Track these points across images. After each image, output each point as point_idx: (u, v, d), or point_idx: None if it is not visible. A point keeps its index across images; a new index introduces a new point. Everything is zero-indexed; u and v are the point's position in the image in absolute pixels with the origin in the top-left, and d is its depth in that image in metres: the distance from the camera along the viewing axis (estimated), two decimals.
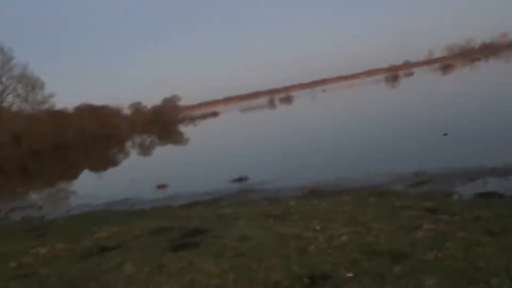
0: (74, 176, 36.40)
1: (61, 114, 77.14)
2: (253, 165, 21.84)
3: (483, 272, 5.93)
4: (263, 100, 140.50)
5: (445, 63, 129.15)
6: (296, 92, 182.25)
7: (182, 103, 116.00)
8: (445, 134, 19.84)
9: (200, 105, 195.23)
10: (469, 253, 6.61)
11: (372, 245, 7.46)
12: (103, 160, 48.63)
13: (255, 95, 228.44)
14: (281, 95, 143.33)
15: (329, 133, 30.86)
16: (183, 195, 17.37)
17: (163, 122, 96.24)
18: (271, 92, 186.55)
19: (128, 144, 65.87)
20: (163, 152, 46.64)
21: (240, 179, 18.32)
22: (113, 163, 43.10)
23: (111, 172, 35.79)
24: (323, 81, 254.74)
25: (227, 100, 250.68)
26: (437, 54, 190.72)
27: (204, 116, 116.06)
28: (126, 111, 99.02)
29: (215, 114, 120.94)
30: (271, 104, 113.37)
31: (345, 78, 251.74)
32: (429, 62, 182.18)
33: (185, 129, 76.80)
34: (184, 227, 10.91)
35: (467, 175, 12.61)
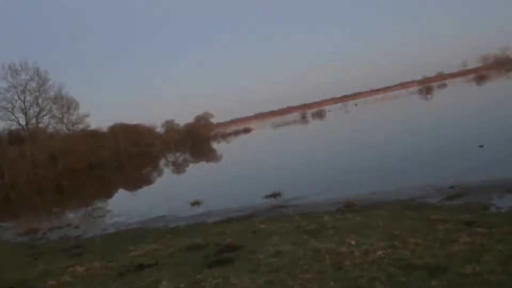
0: (110, 194, 36.86)
1: (95, 134, 78.41)
2: (286, 181, 21.80)
3: None
4: (296, 115, 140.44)
5: (479, 74, 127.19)
6: (328, 106, 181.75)
7: (215, 120, 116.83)
8: (481, 146, 19.55)
9: (232, 122, 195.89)
10: (508, 266, 6.50)
11: (408, 259, 7.39)
12: (137, 178, 49.16)
13: (288, 110, 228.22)
14: (313, 109, 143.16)
15: (362, 147, 30.66)
16: (217, 212, 17.45)
17: (195, 140, 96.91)
18: (304, 107, 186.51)
19: (162, 161, 66.47)
20: (197, 169, 46.94)
21: (274, 195, 18.32)
22: (148, 181, 43.53)
23: (145, 190, 36.14)
24: (355, 95, 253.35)
25: (259, 116, 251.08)
26: (471, 65, 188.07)
27: (236, 133, 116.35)
28: (160, 129, 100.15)
29: (247, 130, 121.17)
30: (304, 119, 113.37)
31: (378, 91, 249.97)
32: (463, 73, 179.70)
33: (218, 146, 77.17)
34: (219, 243, 10.97)
35: (504, 187, 12.38)
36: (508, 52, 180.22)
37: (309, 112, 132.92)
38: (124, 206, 26.02)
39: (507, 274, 6.22)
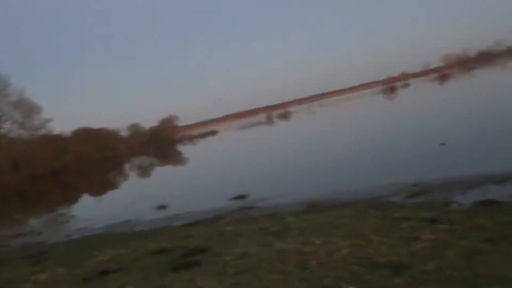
0: (74, 200, 36.31)
1: (59, 139, 77.10)
2: (252, 183, 21.84)
3: (484, 280, 5.94)
4: (262, 116, 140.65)
5: (442, 73, 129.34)
6: (294, 107, 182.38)
7: (180, 123, 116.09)
8: (443, 144, 19.87)
9: (198, 124, 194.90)
10: (470, 261, 6.62)
11: (372, 258, 7.47)
12: (102, 183, 48.56)
13: (254, 112, 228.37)
14: (279, 111, 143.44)
15: (327, 148, 30.90)
16: (183, 215, 17.34)
17: (161, 143, 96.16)
18: (270, 108, 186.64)
19: (127, 166, 65.81)
20: (163, 173, 46.56)
21: (240, 197, 18.32)
22: (113, 185, 43.03)
23: (110, 194, 35.73)
24: (321, 96, 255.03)
25: (225, 118, 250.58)
26: (434, 64, 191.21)
27: (202, 135, 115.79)
28: (124, 133, 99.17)
29: (213, 132, 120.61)
30: (269, 121, 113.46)
31: (343, 91, 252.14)
32: (425, 72, 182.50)
33: (184, 149, 76.75)
34: (185, 246, 10.90)
35: (465, 184, 12.63)
36: (469, 52, 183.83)
37: (275, 113, 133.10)
38: (89, 211, 25.70)
39: (469, 270, 6.32)
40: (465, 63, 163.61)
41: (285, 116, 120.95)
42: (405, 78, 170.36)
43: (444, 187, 12.90)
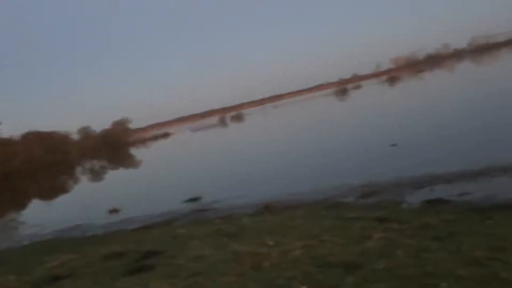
0: (23, 205, 35.44)
1: (8, 142, 75.25)
2: (206, 185, 21.79)
3: (432, 277, 6.10)
4: (215, 119, 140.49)
5: (392, 75, 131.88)
6: (247, 109, 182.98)
7: (132, 125, 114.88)
8: (393, 145, 20.25)
9: (151, 127, 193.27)
10: (418, 259, 6.80)
11: (325, 258, 7.58)
12: (52, 187, 47.56)
13: (208, 113, 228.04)
14: (232, 113, 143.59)
15: (280, 150, 31.05)
16: (136, 219, 17.13)
17: (113, 146, 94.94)
18: (223, 110, 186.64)
19: (78, 169, 64.68)
20: (115, 176, 45.94)
21: (193, 199, 18.23)
22: (63, 190, 42.18)
23: (61, 199, 34.98)
24: (274, 98, 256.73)
25: (178, 120, 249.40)
26: (384, 66, 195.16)
27: (155, 138, 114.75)
28: (75, 136, 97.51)
29: (166, 135, 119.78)
30: (223, 123, 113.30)
31: (296, 93, 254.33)
32: (376, 74, 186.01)
33: (137, 152, 75.91)
34: (138, 250, 10.82)
35: (415, 184, 12.92)
36: (418, 54, 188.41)
37: (228, 115, 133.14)
38: (39, 216, 25.11)
39: (417, 267, 6.50)
40: (414, 66, 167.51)
41: (238, 118, 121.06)
42: (357, 80, 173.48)
43: (394, 187, 13.14)
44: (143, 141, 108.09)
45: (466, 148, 16.51)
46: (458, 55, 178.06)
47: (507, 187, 10.70)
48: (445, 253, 6.87)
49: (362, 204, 11.93)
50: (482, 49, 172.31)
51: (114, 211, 19.62)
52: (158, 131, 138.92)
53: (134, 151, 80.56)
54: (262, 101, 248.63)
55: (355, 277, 6.51)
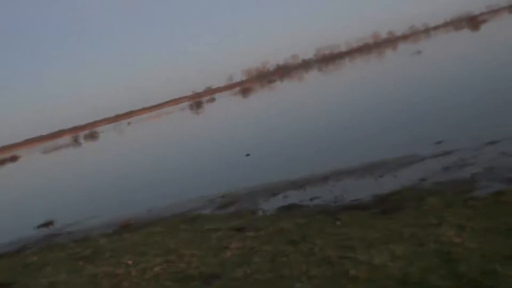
0: None
1: None
2: (59, 208, 20.87)
3: (287, 279, 6.33)
4: (67, 138, 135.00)
5: (244, 87, 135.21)
6: (101, 127, 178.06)
7: None
8: (247, 155, 20.71)
9: None
10: (275, 264, 7.01)
11: (184, 271, 7.58)
12: None
13: (59, 134, 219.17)
14: (85, 131, 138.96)
15: (135, 166, 30.54)
16: None
17: None
18: (75, 129, 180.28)
19: None
20: None
21: (45, 224, 17.35)
22: None
23: None
24: (128, 114, 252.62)
25: (28, 142, 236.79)
26: (236, 78, 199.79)
27: (1, 162, 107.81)
28: None
29: (14, 158, 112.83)
30: (76, 143, 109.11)
31: (150, 108, 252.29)
32: (229, 86, 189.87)
33: None
34: None
35: (269, 191, 13.30)
36: (268, 65, 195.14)
37: (82, 134, 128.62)
38: None
39: (273, 272, 6.70)
40: (265, 76, 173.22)
41: (92, 136, 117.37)
42: (211, 92, 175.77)
43: (251, 196, 13.44)
44: None
45: (313, 154, 17.36)
46: (306, 65, 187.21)
47: (352, 188, 11.38)
48: (299, 256, 7.14)
49: (220, 215, 12.07)
50: (327, 59, 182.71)
51: None
52: (5, 155, 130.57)
53: None
54: (116, 118, 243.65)
55: None
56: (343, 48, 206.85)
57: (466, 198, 8.28)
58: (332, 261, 6.65)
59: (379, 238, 7.11)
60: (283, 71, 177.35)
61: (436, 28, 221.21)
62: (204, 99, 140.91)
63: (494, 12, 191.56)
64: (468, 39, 70.51)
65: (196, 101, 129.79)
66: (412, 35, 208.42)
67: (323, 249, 7.21)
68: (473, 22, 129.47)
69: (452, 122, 15.72)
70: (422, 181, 10.33)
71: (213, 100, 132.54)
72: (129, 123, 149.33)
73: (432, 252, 6.12)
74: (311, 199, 11.31)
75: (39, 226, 17.35)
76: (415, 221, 7.54)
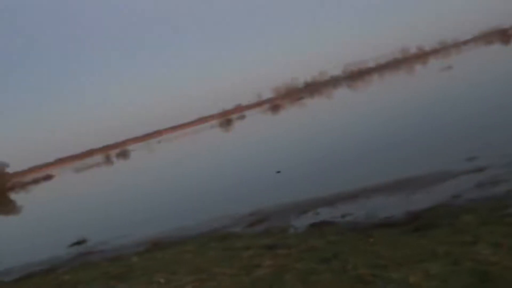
0: None
1: None
2: (92, 226, 21.06)
3: None
4: (99, 157, 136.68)
5: (274, 104, 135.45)
6: (131, 146, 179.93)
7: (10, 169, 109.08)
8: (278, 172, 20.67)
9: (31, 170, 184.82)
10: (306, 282, 6.92)
11: None
12: None
13: (90, 153, 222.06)
14: (116, 150, 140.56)
15: (167, 184, 30.72)
16: (15, 269, 16.10)
17: None
18: (106, 148, 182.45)
19: None
20: None
21: (79, 243, 17.51)
22: None
23: None
24: (157, 132, 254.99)
25: (60, 161, 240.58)
26: (266, 95, 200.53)
27: (36, 181, 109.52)
28: None
29: (48, 177, 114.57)
30: (108, 161, 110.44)
31: (179, 127, 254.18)
32: (259, 103, 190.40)
33: (17, 197, 71.96)
34: None
35: (300, 209, 13.22)
36: (297, 82, 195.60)
37: (113, 153, 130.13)
38: None
39: None
40: (294, 93, 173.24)
41: (124, 155, 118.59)
42: (240, 110, 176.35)
43: (281, 213, 13.37)
44: (23, 185, 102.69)
45: (345, 170, 17.24)
46: (334, 81, 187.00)
47: (383, 205, 11.24)
48: (331, 274, 7.05)
49: (250, 233, 12.03)
50: (355, 75, 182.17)
51: None
52: (39, 174, 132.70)
53: (14, 196, 76.31)
54: (145, 137, 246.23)
55: None
56: (371, 64, 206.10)
57: (502, 215, 8.09)
58: (365, 280, 6.55)
59: (412, 256, 6.99)
60: (312, 88, 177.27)
61: (466, 42, 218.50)
62: (234, 116, 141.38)
63: None
64: (500, 53, 69.58)
65: (226, 118, 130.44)
66: (441, 50, 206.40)
67: (356, 267, 7.12)
68: (503, 35, 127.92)
69: (484, 139, 15.43)
70: (455, 198, 10.15)
71: (243, 117, 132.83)
72: (159, 141, 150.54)
73: (468, 271, 5.98)
74: (342, 216, 11.22)
75: (72, 245, 17.52)
76: (450, 239, 7.39)
